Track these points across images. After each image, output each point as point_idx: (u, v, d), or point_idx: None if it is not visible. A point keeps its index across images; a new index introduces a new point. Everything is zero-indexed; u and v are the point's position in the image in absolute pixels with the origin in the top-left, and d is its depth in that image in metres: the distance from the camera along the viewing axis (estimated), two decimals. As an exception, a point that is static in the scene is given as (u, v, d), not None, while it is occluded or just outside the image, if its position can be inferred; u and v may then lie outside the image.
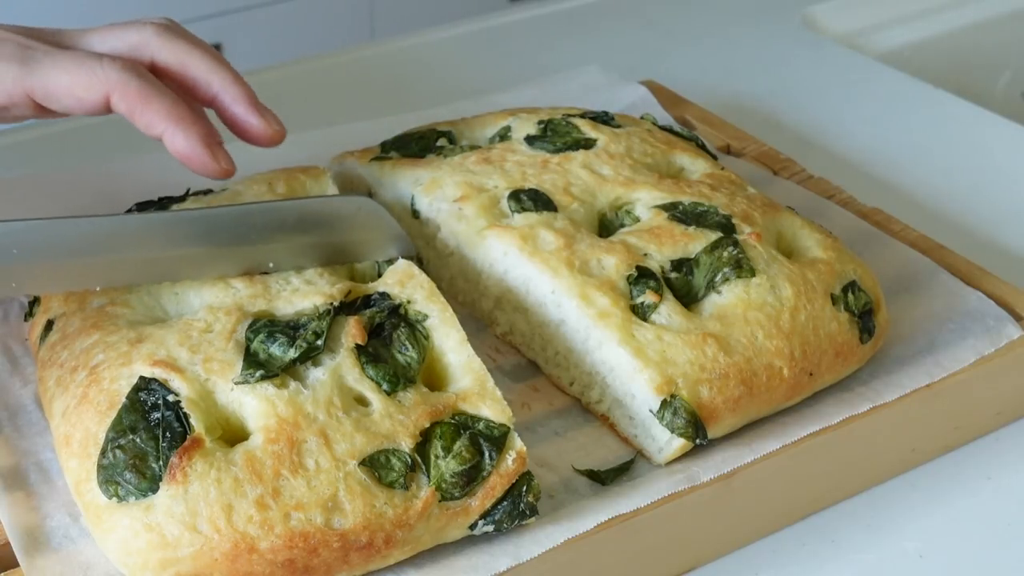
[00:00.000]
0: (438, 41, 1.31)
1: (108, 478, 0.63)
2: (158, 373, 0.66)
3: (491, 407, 0.67)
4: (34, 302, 0.77)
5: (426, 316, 0.71)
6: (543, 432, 0.75)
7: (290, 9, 2.27)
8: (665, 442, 0.72)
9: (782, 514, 0.74)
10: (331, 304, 0.70)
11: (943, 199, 1.06)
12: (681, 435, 0.71)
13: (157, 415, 0.64)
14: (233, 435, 0.65)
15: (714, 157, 0.92)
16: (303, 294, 0.71)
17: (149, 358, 0.67)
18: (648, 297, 0.74)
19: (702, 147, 0.92)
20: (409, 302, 0.72)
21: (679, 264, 0.77)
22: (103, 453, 0.63)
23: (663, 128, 0.93)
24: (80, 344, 0.69)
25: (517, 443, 0.66)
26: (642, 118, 0.96)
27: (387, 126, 1.00)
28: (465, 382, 0.69)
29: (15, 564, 0.65)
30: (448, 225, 0.83)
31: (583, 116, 0.91)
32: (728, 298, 0.75)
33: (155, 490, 0.62)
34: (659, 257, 0.77)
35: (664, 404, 0.71)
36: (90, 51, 0.72)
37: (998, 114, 1.20)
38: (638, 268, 0.76)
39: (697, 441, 0.71)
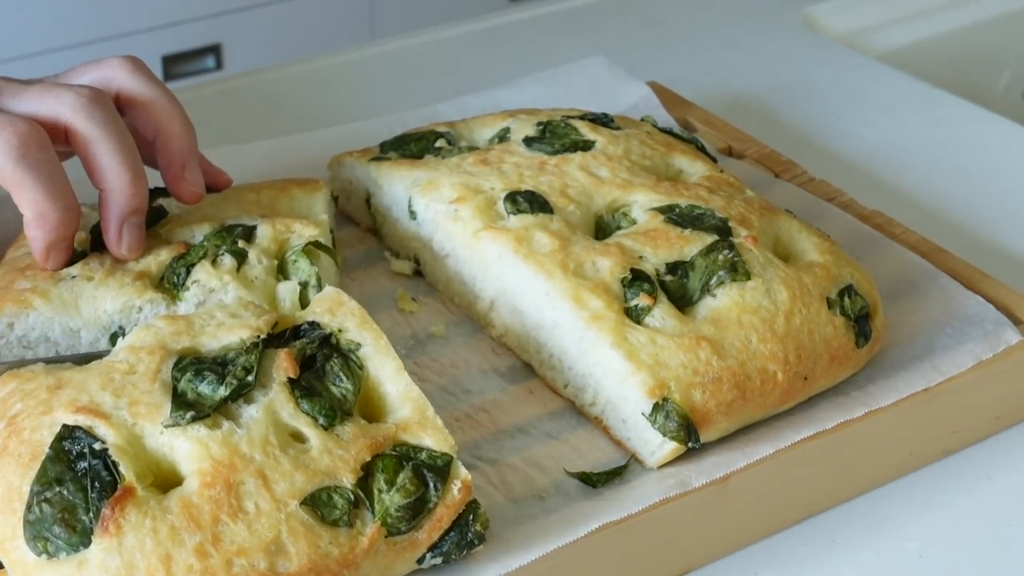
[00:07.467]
0: (438, 41, 1.30)
1: (36, 534, 0.60)
2: (81, 420, 0.62)
3: (433, 436, 0.65)
4: None
5: (359, 345, 0.68)
6: (536, 434, 0.74)
7: (290, 9, 2.27)
8: (657, 445, 0.71)
9: (777, 519, 0.74)
10: (258, 337, 0.67)
11: (943, 199, 1.06)
12: (673, 438, 0.71)
13: (84, 464, 0.61)
14: (165, 481, 0.62)
15: (714, 159, 0.91)
16: (228, 328, 0.68)
17: (71, 405, 0.63)
18: (642, 300, 0.74)
19: (702, 149, 0.92)
20: (340, 331, 0.69)
21: (674, 267, 0.77)
22: (29, 508, 0.60)
23: (663, 130, 0.93)
24: None
25: (462, 472, 0.64)
26: (643, 120, 0.96)
27: (387, 126, 1.00)
28: (404, 412, 0.66)
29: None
30: (444, 227, 0.83)
31: (582, 118, 0.91)
32: (723, 301, 0.75)
33: (87, 544, 0.59)
34: (654, 260, 0.77)
35: (656, 407, 0.71)
36: None
37: (998, 114, 1.19)
38: (632, 271, 0.76)
39: (689, 445, 0.71)
